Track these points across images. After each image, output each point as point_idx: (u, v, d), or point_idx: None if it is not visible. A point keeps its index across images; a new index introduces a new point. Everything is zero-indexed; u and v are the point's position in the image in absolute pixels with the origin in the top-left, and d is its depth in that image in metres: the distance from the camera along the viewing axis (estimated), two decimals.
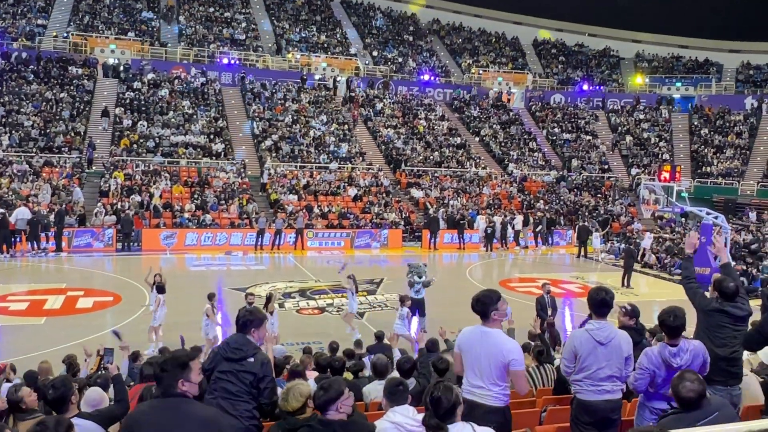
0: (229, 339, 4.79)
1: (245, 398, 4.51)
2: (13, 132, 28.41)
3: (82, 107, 31.60)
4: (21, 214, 21.77)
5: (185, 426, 3.34)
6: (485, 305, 4.64)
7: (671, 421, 3.79)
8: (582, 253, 26.36)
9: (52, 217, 22.51)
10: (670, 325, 4.83)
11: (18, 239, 21.81)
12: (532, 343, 9.91)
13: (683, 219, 29.97)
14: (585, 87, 45.52)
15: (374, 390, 6.36)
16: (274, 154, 31.38)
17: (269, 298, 12.26)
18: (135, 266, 21.33)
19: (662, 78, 46.57)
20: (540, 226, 28.53)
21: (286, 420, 4.07)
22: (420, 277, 13.93)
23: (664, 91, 44.92)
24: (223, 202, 26.88)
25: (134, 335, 12.49)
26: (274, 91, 36.93)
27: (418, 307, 13.64)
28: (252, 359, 4.57)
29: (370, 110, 38.01)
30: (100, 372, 8.46)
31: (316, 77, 40.06)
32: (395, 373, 6.43)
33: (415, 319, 13.58)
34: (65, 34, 37.51)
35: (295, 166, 30.94)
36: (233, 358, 4.56)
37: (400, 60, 45.59)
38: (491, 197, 31.53)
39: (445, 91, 43.22)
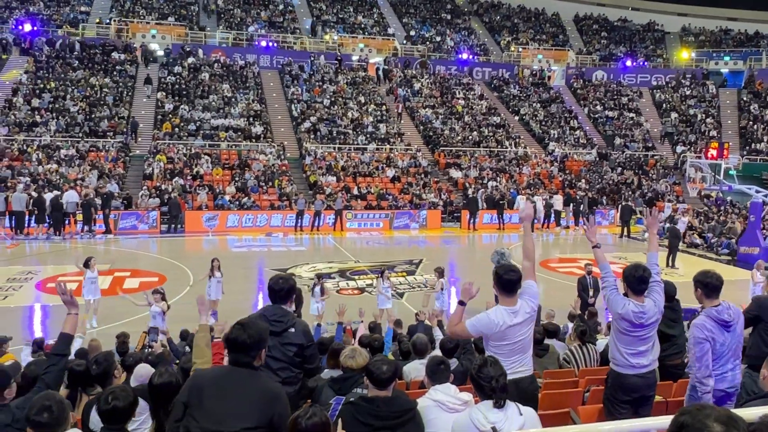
0: (264, 311, 4.64)
1: (289, 368, 4.52)
2: (60, 118, 29.17)
3: (125, 92, 32.22)
4: (69, 198, 22.41)
5: (246, 398, 3.34)
6: (520, 278, 4.60)
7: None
8: (625, 233, 25.87)
9: (98, 201, 23.12)
10: (713, 284, 4.75)
11: (67, 222, 22.48)
12: (571, 324, 9.80)
13: (728, 199, 29.19)
14: (628, 63, 44.31)
15: (414, 369, 6.38)
16: (312, 136, 31.52)
17: (382, 274, 13.36)
18: (179, 247, 21.80)
19: (710, 52, 45.01)
20: (582, 206, 28.08)
21: (335, 380, 4.22)
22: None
23: (712, 66, 43.43)
24: (263, 184, 27.19)
25: (180, 314, 12.78)
26: (311, 72, 36.99)
27: None
28: (293, 329, 4.53)
29: (408, 90, 37.79)
30: (146, 350, 8.73)
31: (354, 58, 39.95)
32: (437, 352, 6.43)
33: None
34: (107, 21, 38.19)
35: (334, 148, 31.03)
36: (275, 332, 4.45)
37: (438, 39, 45.10)
38: (531, 177, 31.13)
39: (484, 69, 42.64)
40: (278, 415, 3.36)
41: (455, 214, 27.77)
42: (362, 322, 10.54)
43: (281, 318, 4.52)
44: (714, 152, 25.27)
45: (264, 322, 3.61)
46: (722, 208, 28.64)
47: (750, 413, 2.32)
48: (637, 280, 4.86)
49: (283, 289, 4.64)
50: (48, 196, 22.24)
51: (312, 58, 37.84)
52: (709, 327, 4.63)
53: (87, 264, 12.69)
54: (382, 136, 32.70)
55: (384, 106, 35.60)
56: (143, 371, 5.36)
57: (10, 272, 16.78)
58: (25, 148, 26.71)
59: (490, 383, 3.47)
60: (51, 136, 27.84)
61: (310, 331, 4.97)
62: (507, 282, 4.54)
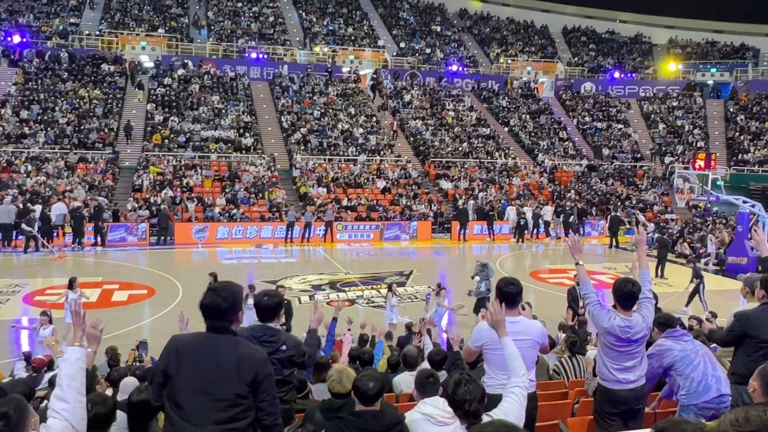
0: (252, 332, 4.45)
1: (281, 385, 4.41)
2: (49, 129, 29.03)
3: (115, 104, 32.13)
4: (58, 210, 22.27)
5: (225, 364, 3.35)
6: (518, 292, 4.68)
7: None
8: (614, 243, 25.99)
9: (85, 213, 22.99)
10: (665, 321, 5.15)
11: (55, 234, 22.32)
12: (563, 334, 9.81)
13: (715, 210, 29.47)
14: (616, 75, 44.72)
15: (404, 381, 6.37)
16: (302, 148, 31.54)
17: (390, 287, 13.57)
18: (168, 259, 21.68)
19: (696, 64, 45.49)
20: (571, 217, 28.20)
21: (324, 401, 4.15)
22: (482, 280, 13.94)
23: (699, 78, 43.90)
24: (253, 195, 27.14)
25: (169, 327, 12.71)
26: (302, 84, 37.08)
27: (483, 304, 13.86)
28: (285, 347, 4.44)
29: (398, 102, 37.93)
30: (135, 364, 8.66)
31: (344, 70, 40.09)
32: (426, 364, 6.42)
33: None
34: (97, 32, 38.15)
35: (324, 159, 31.06)
36: (269, 352, 4.28)
37: (428, 51, 45.36)
38: (521, 188, 31.27)
39: (474, 81, 42.89)
40: (261, 376, 3.37)
41: (445, 225, 27.82)
42: (349, 330, 10.51)
43: (271, 338, 4.41)
44: (701, 163, 25.49)
45: (238, 285, 3.63)
46: (710, 218, 28.87)
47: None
48: (624, 295, 4.86)
49: (268, 306, 4.51)
50: (37, 208, 22.09)
51: (309, 70, 37.94)
52: (660, 343, 5.02)
53: (71, 285, 12.10)
54: (373, 148, 32.76)
55: (374, 118, 35.70)
56: (128, 382, 5.34)
57: None
58: (13, 159, 26.55)
59: (462, 407, 3.43)
60: (40, 148, 27.70)
61: (302, 343, 4.92)
62: (506, 294, 4.63)
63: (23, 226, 21.19)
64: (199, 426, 3.26)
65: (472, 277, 14.13)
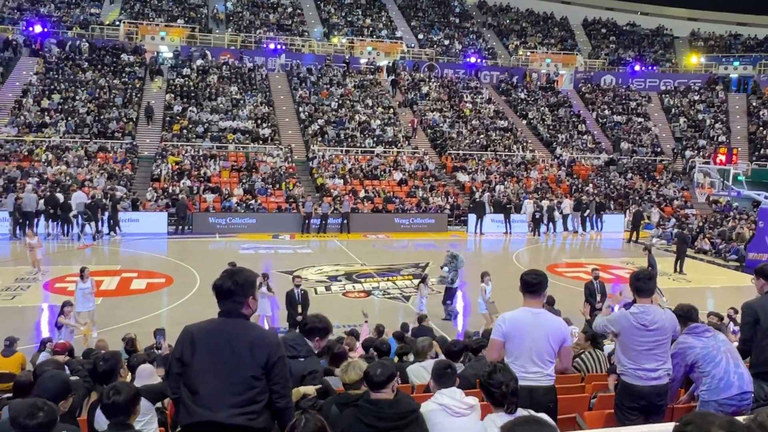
0: (287, 336, 4.67)
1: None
2: (69, 119, 29.33)
3: (134, 94, 32.36)
4: (78, 199, 22.50)
5: (236, 346, 3.42)
6: (543, 282, 4.67)
7: None
8: (634, 237, 25.73)
9: (105, 202, 23.21)
10: (686, 316, 5.00)
11: (77, 223, 22.54)
12: (577, 329, 9.77)
13: (735, 205, 29.10)
14: (637, 68, 44.20)
15: (415, 372, 6.37)
16: (320, 139, 31.57)
17: (424, 279, 13.67)
18: (186, 249, 21.84)
19: (719, 57, 44.78)
20: (588, 211, 27.97)
21: (339, 395, 4.16)
22: (451, 271, 13.99)
23: (721, 71, 43.22)
24: (270, 186, 27.25)
25: (187, 316, 12.82)
26: (320, 75, 37.07)
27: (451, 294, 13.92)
28: (302, 359, 4.50)
29: (416, 94, 37.79)
30: (153, 351, 8.75)
31: (362, 61, 40.00)
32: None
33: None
34: (117, 22, 38.40)
35: (341, 151, 31.06)
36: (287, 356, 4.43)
37: (447, 42, 45.11)
38: (538, 181, 31.07)
39: (492, 73, 42.60)
40: (274, 359, 3.44)
41: (462, 218, 27.71)
42: (366, 322, 10.55)
43: (296, 346, 4.53)
44: (723, 157, 25.12)
45: (252, 272, 3.72)
46: (730, 214, 28.49)
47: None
48: (634, 278, 4.94)
49: (306, 324, 4.76)
50: (59, 197, 22.35)
51: (328, 61, 37.87)
52: (682, 339, 4.91)
53: (82, 275, 12.20)
54: (390, 139, 32.70)
55: (392, 110, 35.61)
56: (144, 368, 5.39)
57: (18, 272, 16.88)
58: (34, 148, 26.86)
59: (500, 388, 3.44)
60: (60, 137, 28.00)
61: (321, 370, 4.92)
62: (526, 283, 4.65)
63: (75, 215, 21.74)
64: (216, 411, 3.31)
65: (442, 267, 14.26)
